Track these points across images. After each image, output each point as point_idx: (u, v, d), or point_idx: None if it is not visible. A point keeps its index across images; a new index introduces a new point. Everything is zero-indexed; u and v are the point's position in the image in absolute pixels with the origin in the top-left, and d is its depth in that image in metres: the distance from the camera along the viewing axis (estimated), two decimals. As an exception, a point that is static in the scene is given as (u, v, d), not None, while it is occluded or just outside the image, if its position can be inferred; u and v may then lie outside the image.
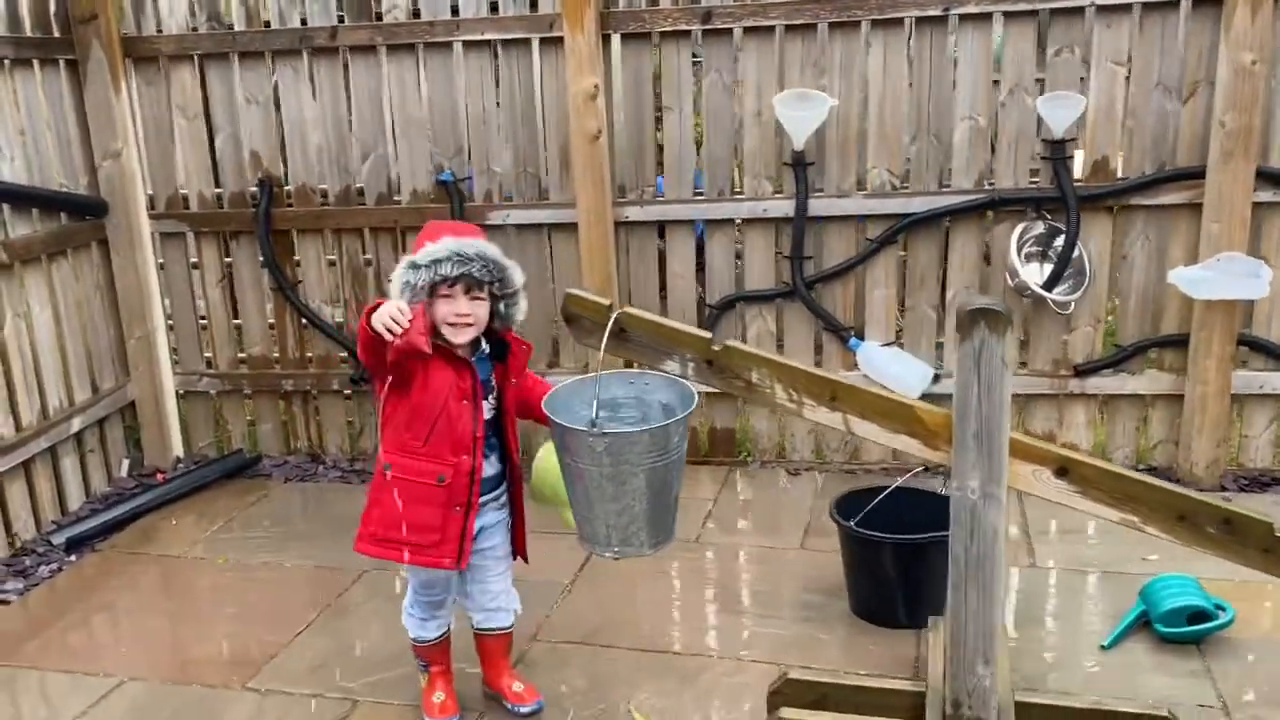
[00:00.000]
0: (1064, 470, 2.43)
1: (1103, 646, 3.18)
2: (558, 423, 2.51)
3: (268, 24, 4.57)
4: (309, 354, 4.89)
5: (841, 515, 3.37)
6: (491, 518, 2.90)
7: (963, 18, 4.06)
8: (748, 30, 4.21)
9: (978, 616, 2.48)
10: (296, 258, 4.80)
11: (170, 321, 4.97)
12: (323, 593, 3.74)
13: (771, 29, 4.20)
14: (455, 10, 4.36)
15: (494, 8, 4.35)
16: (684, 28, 4.22)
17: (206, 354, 4.99)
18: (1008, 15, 4.03)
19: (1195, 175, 4.01)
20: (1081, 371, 4.29)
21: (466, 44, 4.38)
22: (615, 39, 4.30)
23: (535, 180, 4.52)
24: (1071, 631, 3.27)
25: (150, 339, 4.82)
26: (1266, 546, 2.37)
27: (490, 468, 2.85)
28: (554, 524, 3.01)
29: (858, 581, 3.41)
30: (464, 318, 2.70)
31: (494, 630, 3.01)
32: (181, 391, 4.99)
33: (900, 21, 4.11)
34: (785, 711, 2.68)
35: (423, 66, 4.46)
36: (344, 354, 4.82)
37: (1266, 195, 3.98)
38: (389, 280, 2.72)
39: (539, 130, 4.45)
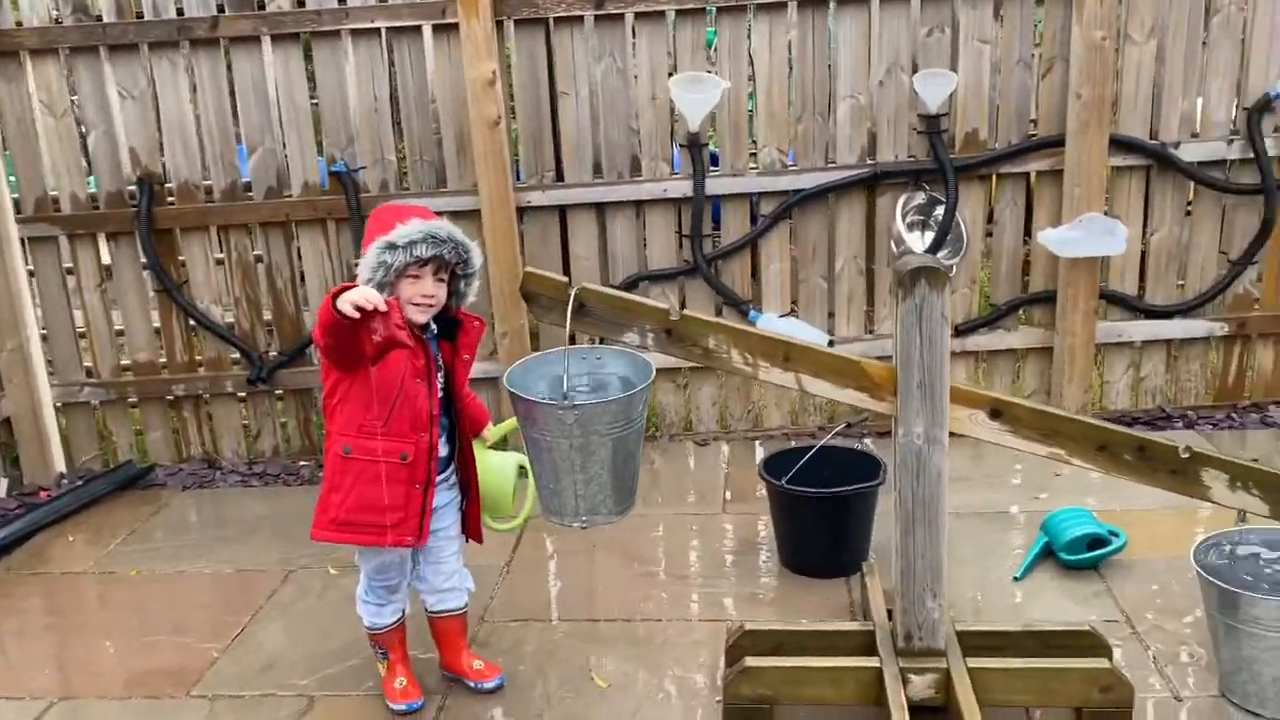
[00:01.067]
0: (997, 412, 2.65)
1: (1016, 578, 3.46)
2: (527, 398, 2.56)
3: (140, 15, 4.38)
4: (199, 357, 4.73)
5: (771, 475, 3.54)
6: (443, 497, 2.93)
7: (841, 1, 4.28)
8: (640, 15, 4.31)
9: (926, 554, 2.68)
10: (182, 257, 4.64)
11: (44, 331, 4.71)
12: (252, 596, 3.66)
13: (662, 14, 4.32)
14: (342, -2, 4.30)
15: (381, -7, 4.32)
16: (577, 13, 4.28)
17: (86, 363, 4.76)
18: (883, -2, 4.28)
19: (1056, 144, 4.36)
20: (961, 330, 4.60)
21: (355, 32, 4.33)
22: (509, 25, 4.33)
23: (432, 168, 4.51)
24: (986, 569, 3.53)
25: (24, 350, 4.56)
26: (1174, 468, 2.65)
27: (441, 447, 2.88)
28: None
29: (788, 536, 3.58)
30: (429, 299, 2.73)
31: (449, 611, 3.04)
32: (60, 404, 4.74)
33: (783, 5, 4.30)
34: (750, 659, 2.82)
35: (310, 56, 4.38)
36: (236, 355, 4.69)
37: (1119, 160, 4.37)
38: (355, 264, 2.71)
39: (434, 118, 4.44)
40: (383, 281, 2.63)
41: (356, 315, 2.44)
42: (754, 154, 4.53)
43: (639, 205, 4.50)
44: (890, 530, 2.72)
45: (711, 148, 4.62)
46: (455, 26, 4.23)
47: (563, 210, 4.55)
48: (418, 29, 4.33)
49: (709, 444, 4.68)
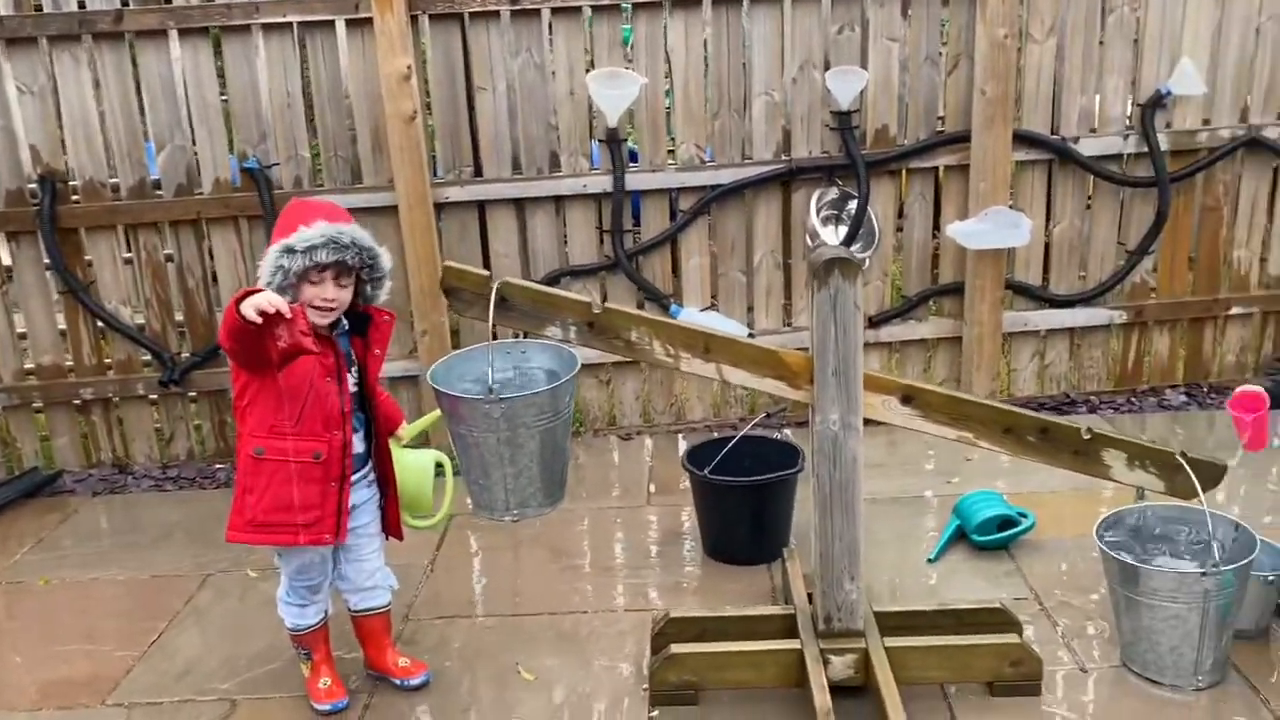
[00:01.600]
0: (909, 398, 2.74)
1: (930, 560, 3.56)
2: (452, 395, 2.57)
3: (39, 7, 4.25)
4: (108, 359, 4.61)
5: (694, 466, 3.59)
6: (362, 494, 2.92)
7: (755, -2, 4.36)
8: (556, 11, 4.32)
9: (843, 537, 2.76)
10: (88, 257, 4.51)
11: (-59, 335, 4.54)
12: (168, 601, 3.59)
13: (579, 10, 4.34)
14: (253, -9, 4.23)
15: (293, -13, 4.25)
16: (493, 8, 4.28)
17: (-12, 367, 4.60)
18: (796, -4, 4.36)
19: (963, 140, 4.49)
20: (875, 322, 4.71)
21: (266, 26, 4.26)
22: (424, 19, 4.30)
23: (347, 164, 4.46)
24: (902, 552, 3.63)
25: (-81, 355, 4.39)
26: (1077, 449, 2.77)
27: (358, 444, 2.87)
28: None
29: (711, 525, 3.64)
30: (329, 302, 2.71)
31: (373, 610, 3.03)
32: (-41, 410, 4.58)
33: (699, 2, 4.35)
34: (675, 646, 2.87)
35: (219, 51, 4.30)
36: (147, 357, 4.58)
37: (1022, 155, 4.52)
38: (258, 262, 2.67)
39: (348, 113, 4.39)
40: (282, 285, 2.60)
41: (259, 320, 2.42)
42: (672, 150, 4.57)
43: (559, 201, 4.51)
44: (810, 517, 2.79)
45: (630, 145, 4.65)
46: (369, 21, 4.19)
47: (482, 206, 4.54)
48: (330, 23, 4.28)
49: (633, 438, 4.72)
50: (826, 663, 2.78)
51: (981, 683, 2.86)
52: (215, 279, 4.56)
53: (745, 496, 3.53)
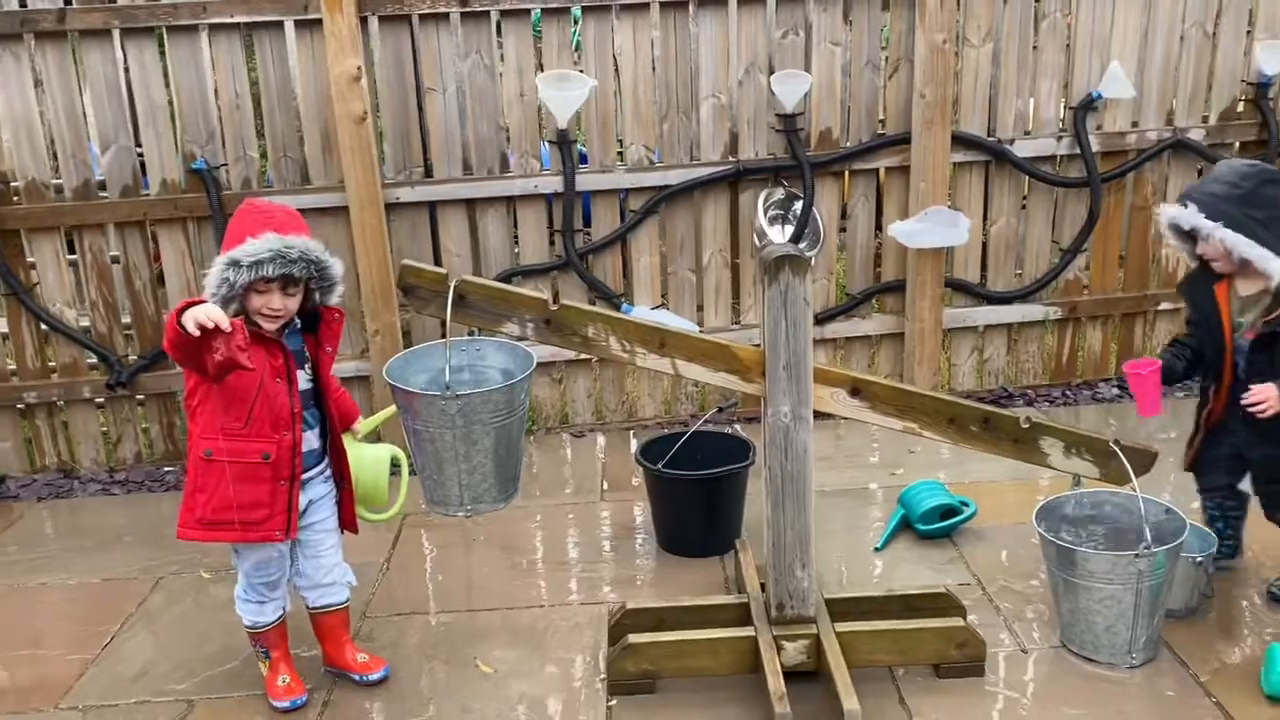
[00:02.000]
0: (857, 390, 2.83)
1: (876, 549, 3.67)
2: (408, 391, 2.61)
3: (-21, 6, 4.20)
4: (52, 363, 4.55)
5: (647, 460, 3.66)
6: (319, 490, 2.94)
7: (702, 2, 4.43)
8: (505, 13, 4.37)
9: (795, 526, 2.84)
10: (31, 259, 4.46)
11: (-122, 339, 4.45)
12: (120, 604, 3.57)
13: (528, 12, 4.39)
14: (200, -9, 4.21)
15: (242, -11, 4.24)
16: (443, 10, 4.31)
17: (-73, 372, 4.52)
18: (741, 0, 4.45)
19: (903, 142, 4.62)
20: (820, 319, 4.82)
21: (213, 27, 4.24)
22: (373, 21, 4.32)
23: (296, 165, 4.46)
24: (849, 542, 3.73)
25: None
26: (1016, 438, 2.89)
27: (313, 440, 2.89)
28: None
29: (665, 519, 3.71)
30: (276, 312, 2.73)
31: (331, 606, 3.05)
32: (-102, 415, 4.50)
33: (646, 6, 4.42)
34: (633, 636, 2.93)
35: (166, 51, 4.27)
36: (94, 360, 4.54)
37: (960, 156, 4.66)
38: (204, 273, 2.67)
39: (298, 114, 4.39)
40: (228, 296, 2.61)
41: (197, 333, 2.44)
42: (621, 152, 4.64)
43: (510, 201, 4.56)
44: (760, 509, 2.86)
45: (580, 147, 4.71)
46: (318, 22, 4.19)
47: (433, 206, 4.57)
48: (279, 24, 4.27)
49: (585, 435, 4.77)
50: (780, 648, 2.86)
51: (928, 665, 2.96)
52: (162, 280, 4.52)
53: (698, 490, 3.60)
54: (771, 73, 4.51)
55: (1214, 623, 3.13)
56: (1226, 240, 2.96)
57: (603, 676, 3.02)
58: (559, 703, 2.95)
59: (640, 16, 4.43)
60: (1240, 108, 4.77)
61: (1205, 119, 4.78)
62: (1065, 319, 4.96)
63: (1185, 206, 3.05)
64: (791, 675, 2.80)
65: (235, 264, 2.62)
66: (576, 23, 4.51)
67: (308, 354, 2.87)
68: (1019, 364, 5.03)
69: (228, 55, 4.29)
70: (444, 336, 2.68)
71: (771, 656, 2.81)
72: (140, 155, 4.41)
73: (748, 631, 2.91)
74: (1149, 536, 2.83)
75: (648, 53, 4.48)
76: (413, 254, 4.53)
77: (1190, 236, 3.09)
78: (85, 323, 4.57)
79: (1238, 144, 4.81)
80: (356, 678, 3.06)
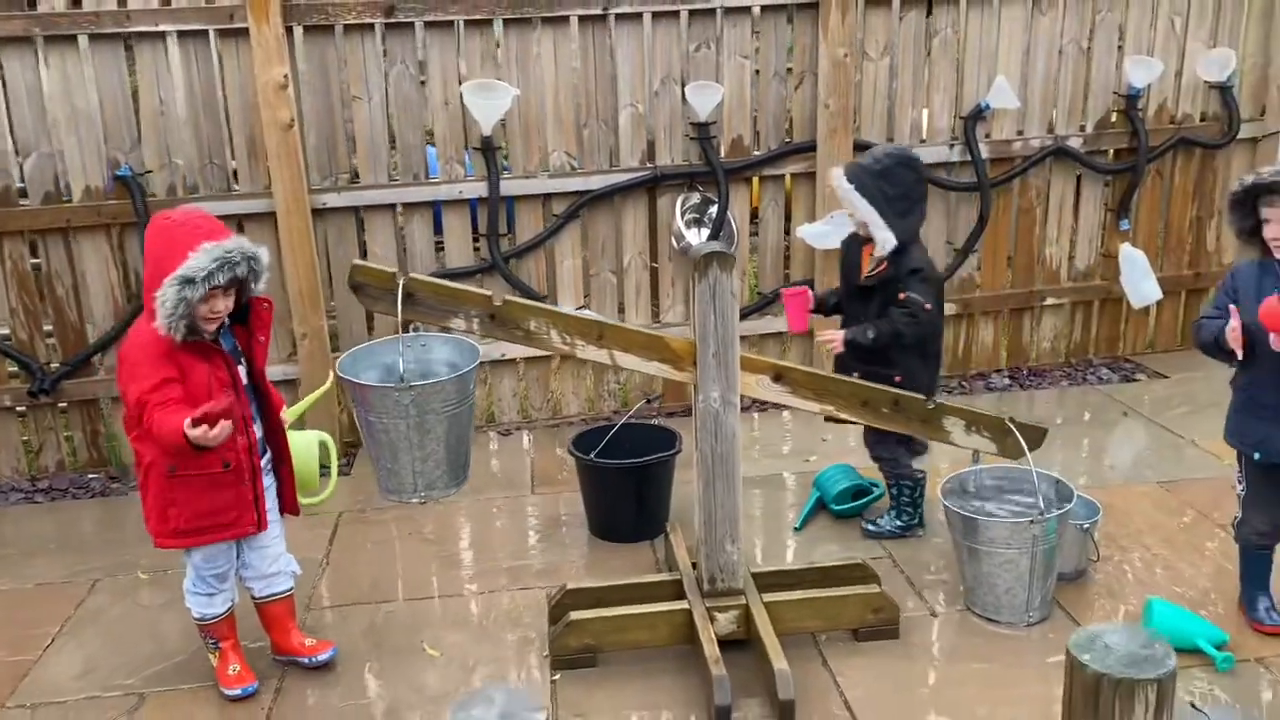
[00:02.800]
0: (779, 376, 3.07)
1: (796, 529, 3.92)
2: (365, 384, 2.74)
3: (-107, 11, 4.16)
4: (-30, 371, 4.52)
5: (579, 451, 3.84)
6: (264, 482, 3.05)
7: (619, 16, 4.64)
8: (430, 24, 4.50)
9: (724, 504, 3.05)
10: (-52, 267, 4.42)
11: None
12: (56, 607, 3.59)
13: (452, 24, 4.53)
14: (123, 0, 4.24)
15: (166, -2, 4.30)
16: (368, 21, 4.42)
17: None
18: (655, 15, 4.67)
19: (809, 149, 4.90)
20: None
21: (139, 35, 4.28)
22: (298, 31, 4.41)
23: (222, 172, 4.51)
24: (770, 524, 3.97)
25: None
26: (923, 418, 3.16)
27: (255, 431, 3.00)
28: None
29: (596, 506, 3.89)
30: (218, 314, 2.82)
31: (278, 595, 3.16)
32: None
33: (566, 19, 4.61)
34: (575, 613, 3.10)
35: (89, 59, 4.29)
36: (14, 368, 4.51)
37: (862, 163, 4.96)
38: (157, 300, 2.66)
39: (223, 121, 4.45)
40: (186, 315, 2.68)
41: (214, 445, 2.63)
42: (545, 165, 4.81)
43: (436, 205, 4.69)
44: (687, 496, 3.06)
45: (504, 163, 4.85)
46: (243, 31, 4.28)
47: (359, 211, 4.67)
48: (204, 33, 4.33)
49: (511, 433, 4.92)
50: (713, 619, 3.07)
51: (848, 630, 3.20)
52: (85, 287, 4.52)
53: (628, 478, 3.79)
54: (685, 84, 4.74)
55: (1099, 583, 3.45)
56: (852, 200, 3.49)
57: (545, 654, 3.19)
58: (506, 679, 3.10)
59: (560, 29, 4.62)
60: (1114, 118, 5.19)
61: (1083, 128, 5.18)
62: (960, 314, 5.30)
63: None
64: (723, 644, 3.00)
65: (189, 281, 2.67)
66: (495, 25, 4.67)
67: (239, 347, 2.97)
68: (919, 357, 5.35)
69: (152, 63, 4.33)
70: (395, 333, 2.82)
71: (705, 626, 3.02)
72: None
73: (682, 605, 3.11)
74: (1042, 504, 3.13)
75: (569, 63, 4.66)
76: (339, 257, 4.65)
77: None
78: (4, 331, 4.54)
79: (1111, 151, 5.22)
80: (305, 660, 3.17)
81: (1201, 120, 5.28)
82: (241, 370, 2.95)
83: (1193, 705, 1.40)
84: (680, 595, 3.18)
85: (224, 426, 2.61)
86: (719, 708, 2.77)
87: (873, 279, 3.55)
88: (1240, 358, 2.90)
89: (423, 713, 2.98)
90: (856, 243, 3.70)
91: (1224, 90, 5.19)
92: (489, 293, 2.88)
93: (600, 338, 2.93)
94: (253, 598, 3.15)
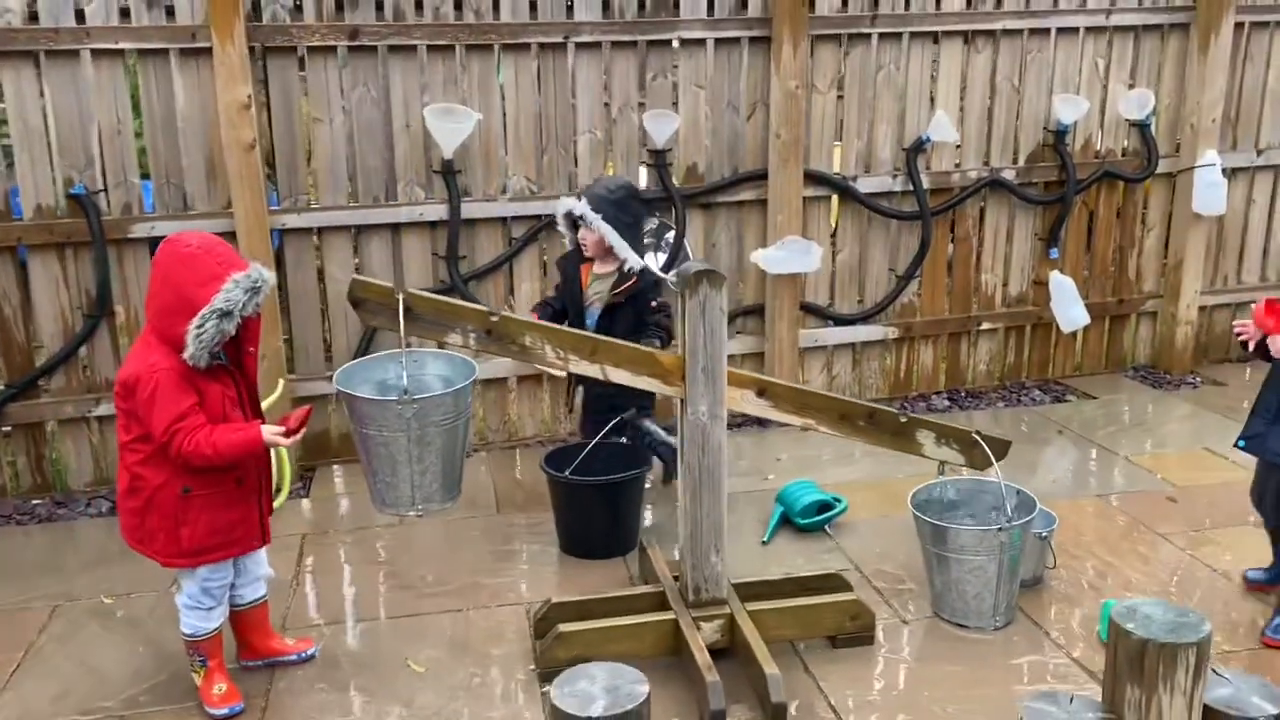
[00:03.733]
0: (762, 391, 3.17)
1: (763, 542, 4.02)
2: (368, 398, 2.76)
3: None
4: (-92, 393, 4.36)
5: (552, 468, 3.88)
6: (269, 496, 3.07)
7: (579, 45, 4.75)
8: (393, 49, 4.54)
9: (710, 516, 3.14)
10: (-111, 286, 4.27)
11: None
12: (19, 634, 3.49)
13: (415, 48, 4.58)
14: (81, 17, 4.19)
15: (125, 13, 4.25)
16: (331, 43, 4.45)
17: None
18: (614, 45, 4.79)
19: (761, 177, 5.06)
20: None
21: (96, 52, 4.23)
22: (259, 51, 4.40)
23: (179, 191, 4.47)
24: (737, 540, 4.03)
25: None
26: (895, 430, 3.30)
27: None
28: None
29: (568, 523, 3.94)
30: (229, 336, 2.81)
31: (260, 599, 3.18)
32: None
33: (527, 46, 4.70)
34: (563, 626, 3.14)
35: (44, 75, 4.22)
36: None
37: (811, 191, 5.14)
38: (191, 332, 2.69)
39: (181, 141, 4.41)
40: (215, 345, 2.73)
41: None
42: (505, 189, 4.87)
43: (395, 228, 4.70)
44: (656, 516, 3.10)
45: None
46: (204, 51, 4.26)
47: (319, 232, 4.66)
48: (165, 52, 4.30)
49: (471, 455, 4.93)
50: (698, 629, 3.14)
51: (825, 637, 3.31)
52: (30, 305, 4.41)
53: (600, 495, 3.85)
54: (643, 110, 4.87)
55: (1055, 589, 3.63)
56: (602, 230, 4.00)
57: (532, 667, 3.22)
58: (495, 692, 3.12)
59: (521, 56, 4.70)
60: (1045, 152, 5.48)
61: (1015, 160, 5.46)
62: (902, 338, 5.51)
63: (580, 200, 4.04)
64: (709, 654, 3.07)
65: (226, 315, 2.71)
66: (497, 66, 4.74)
67: (230, 360, 2.97)
68: (862, 379, 5.54)
69: (110, 81, 4.28)
70: (360, 355, 2.85)
71: (694, 635, 3.09)
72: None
73: (669, 615, 3.18)
74: (1010, 511, 3.29)
75: (530, 90, 4.75)
76: (297, 279, 4.62)
77: (575, 225, 4.10)
78: (-53, 351, 4.40)
79: (1043, 183, 5.51)
80: (294, 656, 3.22)
81: (1123, 155, 5.62)
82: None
83: (1215, 671, 1.53)
84: (663, 606, 3.25)
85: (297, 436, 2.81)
86: (714, 712, 2.84)
87: (622, 294, 4.07)
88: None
89: (414, 728, 2.98)
90: (574, 262, 4.20)
91: (1143, 128, 5.53)
92: (486, 308, 2.93)
93: (593, 353, 3.00)
94: (236, 607, 3.13)
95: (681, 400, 3.07)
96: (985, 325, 5.61)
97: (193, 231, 2.88)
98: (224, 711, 3.01)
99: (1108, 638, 1.45)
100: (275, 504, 3.29)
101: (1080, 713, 1.45)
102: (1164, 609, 1.47)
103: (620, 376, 3.04)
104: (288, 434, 2.81)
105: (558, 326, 3.03)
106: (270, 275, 2.82)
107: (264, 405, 3.28)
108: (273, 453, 3.26)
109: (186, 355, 2.70)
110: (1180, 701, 1.39)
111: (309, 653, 3.21)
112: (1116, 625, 1.43)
